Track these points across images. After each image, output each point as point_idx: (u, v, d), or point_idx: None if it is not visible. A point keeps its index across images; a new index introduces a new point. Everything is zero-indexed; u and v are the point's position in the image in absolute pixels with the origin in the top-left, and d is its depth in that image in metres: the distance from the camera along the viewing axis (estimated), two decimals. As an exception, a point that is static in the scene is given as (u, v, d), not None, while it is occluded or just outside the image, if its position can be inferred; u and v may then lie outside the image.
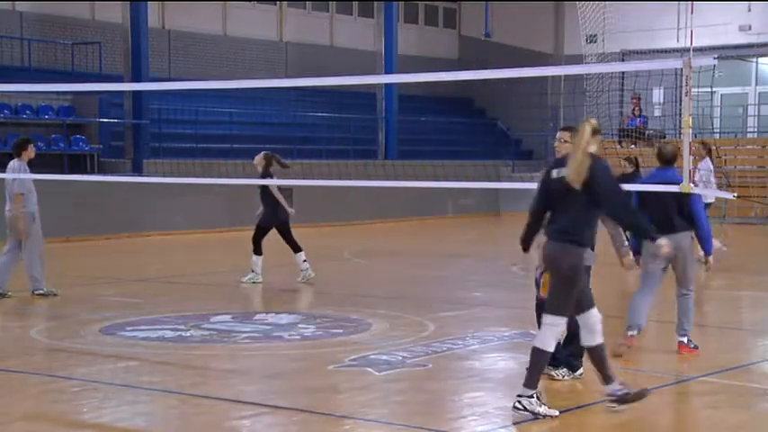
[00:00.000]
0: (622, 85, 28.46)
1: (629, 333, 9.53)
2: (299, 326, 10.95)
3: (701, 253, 9.79)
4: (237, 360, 9.33)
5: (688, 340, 9.62)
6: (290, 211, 14.63)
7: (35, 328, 10.92)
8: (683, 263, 9.42)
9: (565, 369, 8.29)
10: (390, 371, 8.66)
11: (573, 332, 8.28)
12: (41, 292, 13.02)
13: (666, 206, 9.12)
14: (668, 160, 9.33)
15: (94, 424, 7.21)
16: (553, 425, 7.30)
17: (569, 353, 8.29)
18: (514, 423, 7.22)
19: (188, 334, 10.50)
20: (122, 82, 23.19)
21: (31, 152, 13.23)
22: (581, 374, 8.32)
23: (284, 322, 11.14)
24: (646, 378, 8.71)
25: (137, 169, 22.66)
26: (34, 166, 21.12)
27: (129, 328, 10.78)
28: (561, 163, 7.27)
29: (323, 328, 10.87)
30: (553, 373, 8.27)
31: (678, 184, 8.83)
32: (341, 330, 10.72)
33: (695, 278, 9.62)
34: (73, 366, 9.02)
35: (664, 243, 7.30)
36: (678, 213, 9.19)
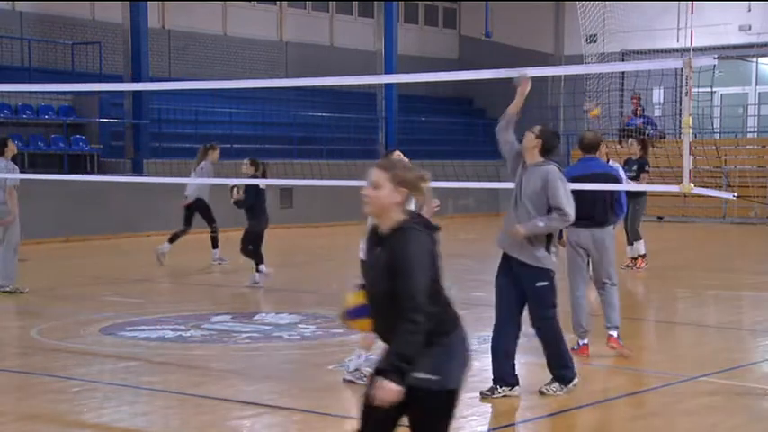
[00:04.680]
0: (622, 85, 28.45)
1: (583, 342, 9.27)
2: (299, 326, 10.95)
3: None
4: (237, 360, 9.33)
5: (617, 335, 9.34)
6: None
7: (35, 328, 10.91)
8: (603, 256, 9.23)
9: (556, 384, 7.87)
10: (390, 371, 8.64)
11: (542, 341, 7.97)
12: (7, 289, 13.04)
13: (597, 200, 9.13)
14: (588, 146, 9.31)
15: (94, 424, 7.21)
16: (553, 425, 7.31)
17: (555, 364, 7.89)
18: (515, 423, 7.23)
19: (188, 334, 10.50)
20: (122, 82, 23.18)
21: (12, 148, 13.34)
22: (575, 385, 7.92)
23: (284, 322, 11.14)
24: (646, 378, 8.72)
25: (137, 169, 22.66)
26: (36, 165, 21.20)
27: (129, 328, 10.78)
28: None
29: (323, 328, 10.87)
30: (544, 388, 7.87)
31: (609, 174, 9.25)
32: (341, 330, 10.71)
33: (615, 274, 9.40)
34: (73, 366, 9.01)
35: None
36: (607, 207, 9.21)
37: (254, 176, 13.97)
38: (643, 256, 15.97)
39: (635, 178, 15.04)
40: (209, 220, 16.57)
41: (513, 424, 7.24)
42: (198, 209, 16.56)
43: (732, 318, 12.36)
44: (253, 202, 13.95)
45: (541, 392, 7.83)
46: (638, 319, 11.98)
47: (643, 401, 7.84)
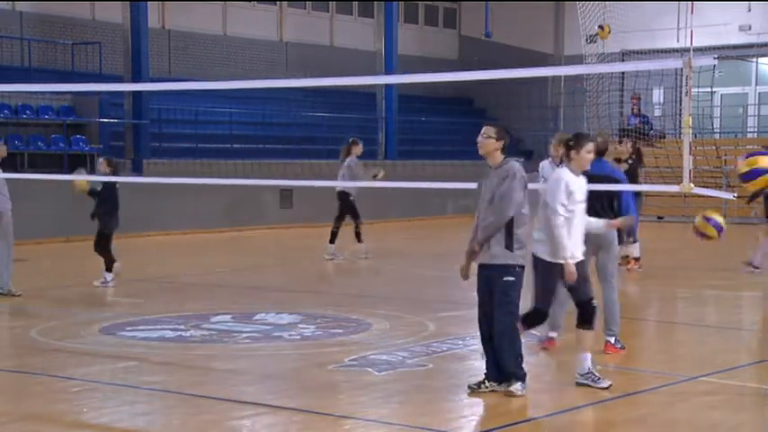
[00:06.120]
0: (622, 85, 28.48)
1: (552, 334, 9.55)
2: (299, 326, 10.95)
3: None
4: (237, 360, 9.33)
5: (615, 340, 9.49)
6: None
7: (35, 328, 10.91)
8: (605, 256, 9.38)
9: (519, 383, 7.82)
10: (390, 371, 8.66)
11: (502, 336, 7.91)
12: (1, 291, 13.00)
13: (597, 199, 9.21)
14: (600, 151, 9.50)
15: (94, 424, 7.21)
16: (553, 425, 7.31)
17: (513, 363, 7.83)
18: (514, 423, 7.23)
19: (188, 334, 10.50)
20: (122, 82, 23.18)
21: (1, 151, 13.29)
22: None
23: (284, 322, 11.14)
24: (646, 378, 8.72)
25: (137, 169, 22.66)
26: (36, 165, 21.16)
27: (129, 328, 10.78)
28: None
29: (323, 328, 10.87)
30: (512, 389, 7.80)
31: (614, 177, 9.41)
32: (341, 330, 10.72)
33: (616, 273, 9.62)
34: (73, 366, 9.01)
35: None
36: (607, 206, 9.30)
37: (109, 176, 14.03)
38: (636, 259, 15.88)
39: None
40: (354, 215, 17.45)
41: (513, 424, 7.24)
42: (342, 203, 17.37)
43: (732, 318, 12.36)
44: (107, 199, 13.95)
45: (510, 394, 7.76)
46: (637, 319, 11.98)
47: (643, 401, 7.83)
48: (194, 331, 10.62)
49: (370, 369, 8.70)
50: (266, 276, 16.04)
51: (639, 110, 28.54)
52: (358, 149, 17.31)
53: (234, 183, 18.21)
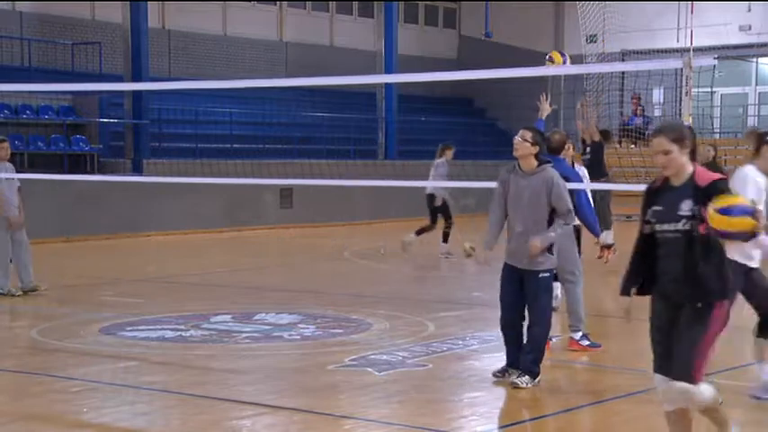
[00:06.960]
0: (622, 85, 28.48)
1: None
2: (299, 326, 10.95)
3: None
4: (237, 360, 9.33)
5: (581, 336, 9.48)
6: None
7: (35, 328, 10.92)
8: (564, 252, 9.28)
9: (527, 377, 8.04)
10: (390, 371, 8.66)
11: (533, 337, 8.21)
12: (1, 291, 12.99)
13: None
14: (556, 149, 9.57)
15: (94, 424, 7.21)
16: (553, 425, 7.31)
17: (532, 359, 8.09)
18: (515, 423, 7.23)
19: (188, 334, 10.50)
20: (122, 82, 23.18)
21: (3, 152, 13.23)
22: (539, 381, 8.13)
23: (284, 322, 11.14)
24: (646, 378, 8.71)
25: (137, 169, 22.66)
26: (36, 165, 21.17)
27: (129, 328, 10.78)
28: None
29: (323, 328, 10.87)
30: (517, 380, 8.02)
31: (568, 177, 9.20)
32: (341, 330, 10.71)
33: (581, 267, 9.59)
34: (73, 366, 9.02)
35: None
36: None
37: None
38: (609, 247, 15.62)
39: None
40: (447, 215, 17.72)
41: (513, 424, 7.24)
42: (429, 206, 17.72)
43: (732, 318, 12.31)
44: None
45: (515, 386, 7.95)
46: (637, 319, 11.96)
47: (643, 401, 7.83)
48: (194, 331, 10.62)
49: (370, 369, 8.70)
50: (266, 276, 16.04)
51: (644, 111, 28.53)
52: (449, 154, 17.77)
53: (234, 183, 18.21)
